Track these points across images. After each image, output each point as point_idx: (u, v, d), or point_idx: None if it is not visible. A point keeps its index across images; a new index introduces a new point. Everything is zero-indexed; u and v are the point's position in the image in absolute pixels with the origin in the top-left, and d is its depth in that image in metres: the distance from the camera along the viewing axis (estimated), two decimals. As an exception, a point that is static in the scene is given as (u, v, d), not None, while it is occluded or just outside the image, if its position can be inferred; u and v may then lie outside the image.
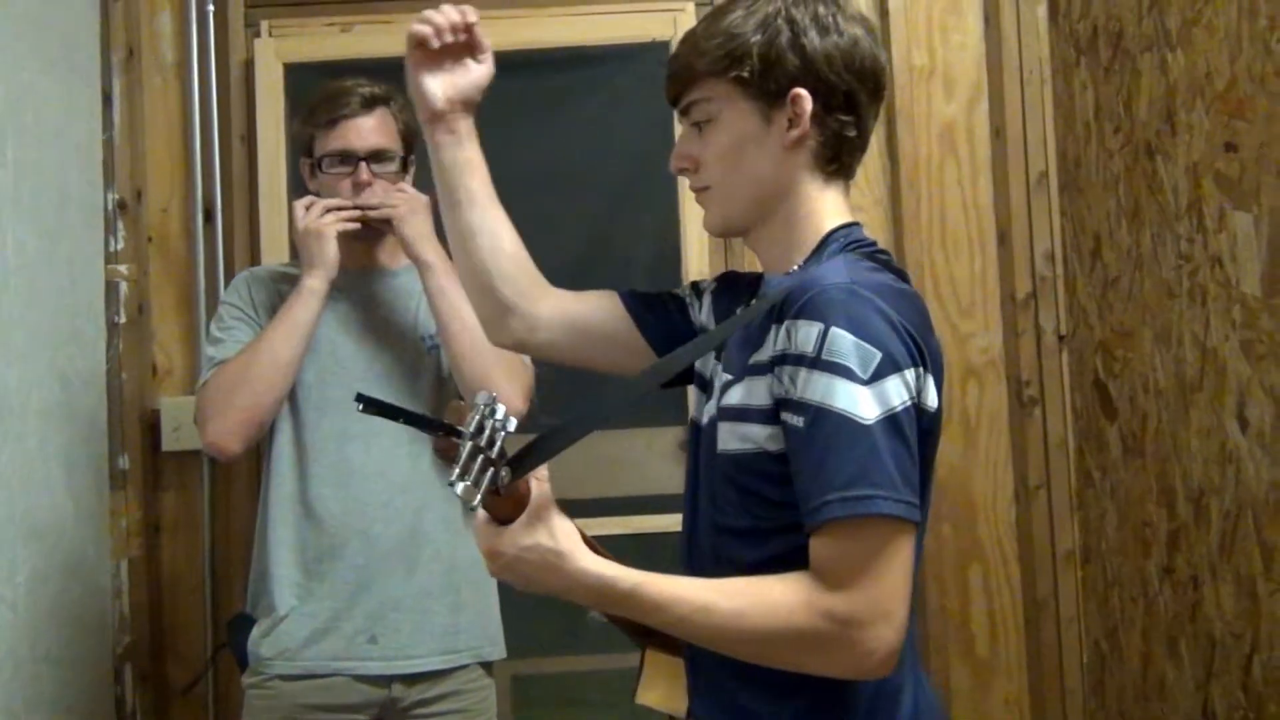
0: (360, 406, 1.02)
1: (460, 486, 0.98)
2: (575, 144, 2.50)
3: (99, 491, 2.31)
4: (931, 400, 1.13)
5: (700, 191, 1.27)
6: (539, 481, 1.07)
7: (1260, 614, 1.70)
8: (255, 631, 1.90)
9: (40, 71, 2.13)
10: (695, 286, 1.40)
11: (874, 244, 1.23)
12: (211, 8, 2.43)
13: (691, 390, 1.35)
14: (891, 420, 1.06)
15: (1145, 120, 2.02)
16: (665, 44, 2.44)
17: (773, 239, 1.25)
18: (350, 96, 1.91)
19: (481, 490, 1.00)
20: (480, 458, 1.00)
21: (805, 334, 1.08)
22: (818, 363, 1.07)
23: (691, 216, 2.40)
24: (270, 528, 1.91)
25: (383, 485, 1.89)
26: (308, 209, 1.90)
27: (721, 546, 1.20)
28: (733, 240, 2.37)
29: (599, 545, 1.13)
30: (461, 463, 0.99)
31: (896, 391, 1.07)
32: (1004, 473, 2.45)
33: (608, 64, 2.51)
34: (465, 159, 1.35)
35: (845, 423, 1.05)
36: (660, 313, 1.38)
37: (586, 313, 1.39)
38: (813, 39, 1.19)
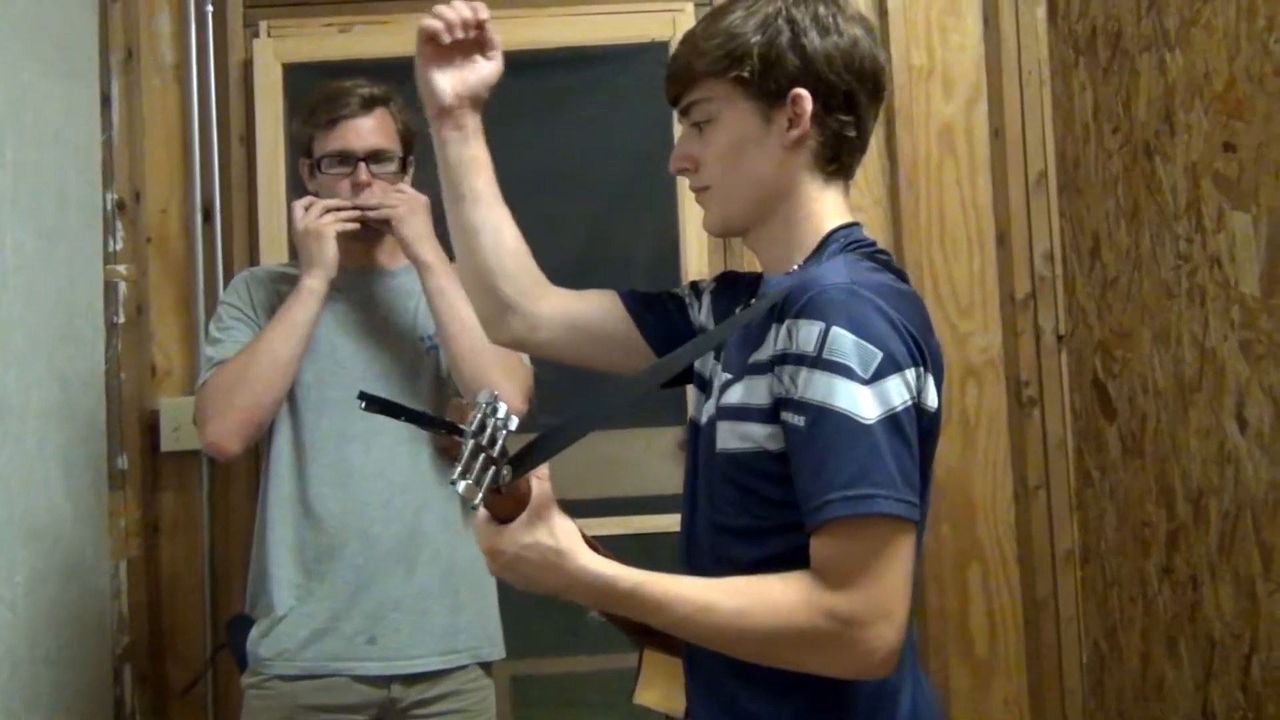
0: (363, 405, 1.02)
1: (462, 485, 0.99)
2: (574, 144, 2.51)
3: (98, 492, 2.31)
4: (932, 400, 1.13)
5: (700, 191, 1.27)
6: (540, 480, 1.07)
7: (1259, 614, 1.70)
8: (254, 632, 1.90)
9: (39, 72, 2.13)
10: (694, 286, 1.41)
11: (874, 244, 1.23)
12: (210, 8, 2.43)
13: (691, 390, 1.35)
14: (892, 420, 1.06)
15: (1144, 120, 2.02)
16: (664, 44, 2.44)
17: (772, 239, 1.25)
18: (349, 97, 1.91)
19: (483, 489, 1.00)
20: (482, 456, 1.00)
21: (806, 333, 1.08)
22: (819, 362, 1.07)
23: (690, 216, 2.41)
24: (269, 528, 1.91)
25: (382, 485, 1.89)
26: (307, 209, 1.90)
27: (720, 546, 1.20)
28: (732, 240, 2.37)
29: (600, 545, 1.13)
30: (463, 461, 0.99)
31: (897, 391, 1.07)
32: (1003, 473, 2.45)
33: (607, 64, 2.51)
34: (471, 156, 1.35)
35: (846, 422, 1.05)
36: (660, 312, 1.38)
37: (587, 312, 1.39)
38: (813, 39, 1.19)
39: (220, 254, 2.42)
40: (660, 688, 1.35)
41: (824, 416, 1.06)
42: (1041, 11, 2.46)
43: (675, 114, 1.29)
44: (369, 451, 1.90)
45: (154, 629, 2.37)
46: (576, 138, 2.51)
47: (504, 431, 1.01)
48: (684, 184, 2.33)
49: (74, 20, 2.33)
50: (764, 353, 1.14)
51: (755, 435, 1.14)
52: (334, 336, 1.93)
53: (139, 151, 2.43)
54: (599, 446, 2.39)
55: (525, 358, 1.92)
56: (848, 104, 1.21)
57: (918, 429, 1.10)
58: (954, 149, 2.49)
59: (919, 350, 1.11)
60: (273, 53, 2.45)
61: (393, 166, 1.93)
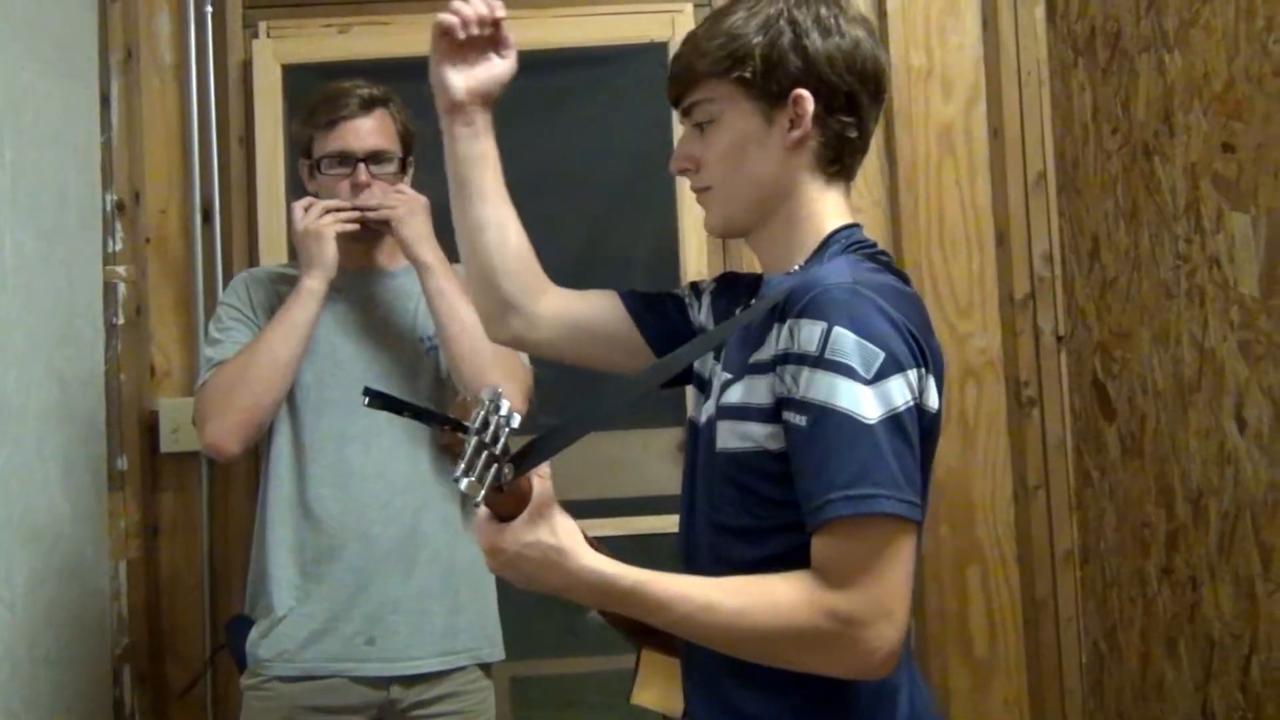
0: (367, 400, 1.02)
1: (465, 482, 0.98)
2: (574, 144, 2.51)
3: (97, 493, 2.31)
4: (933, 401, 1.13)
5: (701, 192, 1.27)
6: (541, 479, 1.07)
7: (1259, 614, 1.70)
8: (253, 633, 1.90)
9: (38, 73, 2.13)
10: (694, 287, 1.41)
11: (875, 245, 1.23)
12: (209, 9, 2.43)
13: (690, 391, 1.35)
14: (894, 420, 1.07)
15: (1143, 121, 2.02)
16: (664, 45, 2.44)
17: (773, 240, 1.25)
18: (349, 98, 1.91)
19: (485, 486, 1.00)
20: (485, 453, 1.00)
21: (808, 333, 1.08)
22: (821, 362, 1.07)
23: (689, 217, 2.41)
24: (269, 529, 1.91)
25: (382, 486, 1.89)
26: (306, 210, 1.90)
27: (719, 546, 1.20)
28: (731, 241, 2.37)
29: (600, 545, 1.13)
30: (466, 458, 0.99)
31: (899, 391, 1.07)
32: (1002, 473, 2.45)
33: (606, 65, 2.51)
34: (480, 153, 1.36)
35: (848, 422, 1.06)
36: (659, 313, 1.38)
37: (587, 312, 1.39)
38: (815, 40, 1.19)
39: (220, 255, 2.42)
40: (658, 688, 1.35)
41: (826, 416, 1.06)
42: (1040, 12, 2.46)
43: (677, 114, 1.29)
44: (368, 452, 1.90)
45: (153, 630, 2.37)
46: (576, 138, 2.51)
47: (507, 429, 1.01)
48: (683, 184, 2.34)
49: (73, 20, 2.33)
50: (765, 352, 1.14)
51: (755, 435, 1.14)
52: (334, 337, 1.93)
53: (138, 152, 2.43)
54: (598, 447, 2.39)
55: (525, 358, 1.92)
56: (849, 105, 1.21)
57: (918, 429, 1.10)
58: (953, 150, 2.49)
59: (920, 351, 1.11)
60: (272, 53, 2.45)
61: (392, 167, 1.93)
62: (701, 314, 1.37)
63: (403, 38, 2.44)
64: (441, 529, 1.92)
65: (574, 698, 2.55)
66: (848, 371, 1.06)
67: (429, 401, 1.94)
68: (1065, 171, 2.40)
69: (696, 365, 1.31)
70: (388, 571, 1.88)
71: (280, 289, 1.94)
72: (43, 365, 2.09)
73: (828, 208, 1.23)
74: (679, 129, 1.29)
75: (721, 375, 1.21)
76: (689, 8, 2.47)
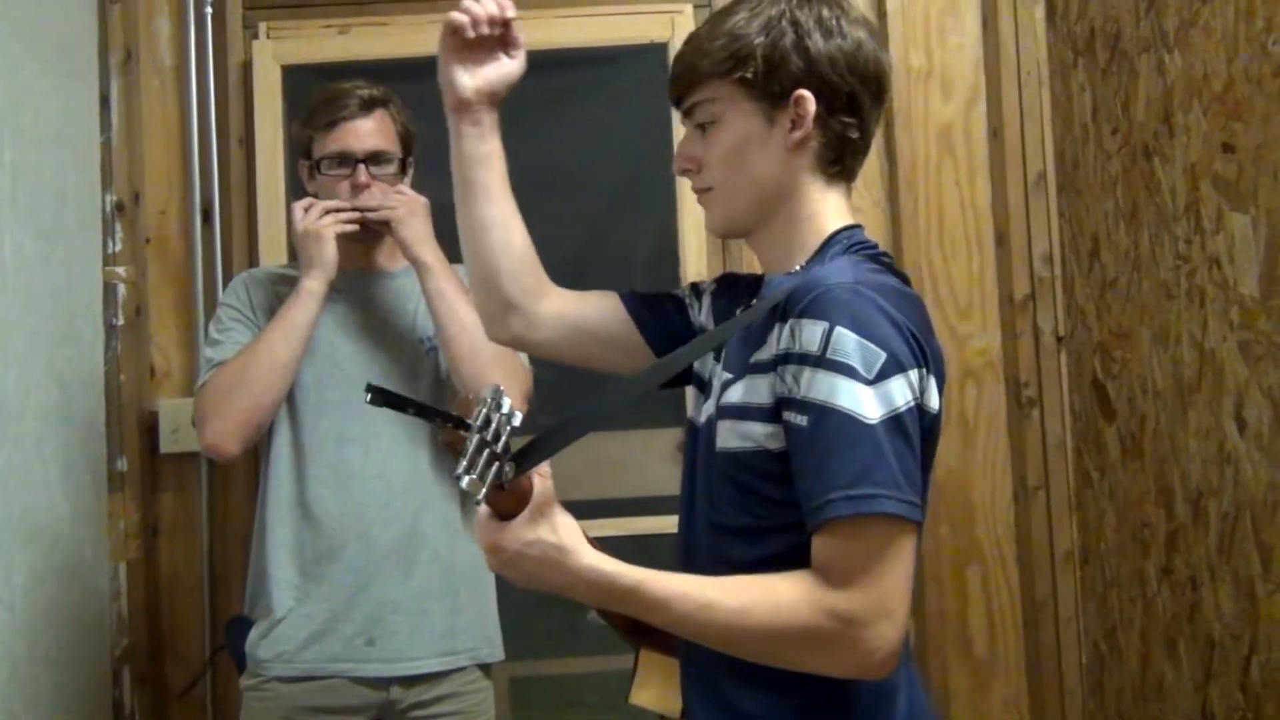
0: (369, 397, 1.02)
1: (466, 480, 0.98)
2: (574, 145, 2.51)
3: (97, 493, 2.31)
4: (933, 402, 1.13)
5: (703, 193, 1.27)
6: (542, 478, 1.07)
7: (1259, 615, 1.70)
8: (253, 633, 1.90)
9: (38, 74, 2.13)
10: (695, 288, 1.41)
11: (876, 246, 1.23)
12: (209, 10, 2.43)
13: (689, 392, 1.35)
14: (895, 420, 1.07)
15: (1143, 121, 2.02)
16: (663, 45, 2.44)
17: (774, 240, 1.25)
18: (349, 99, 1.91)
19: (486, 484, 1.00)
20: (486, 451, 1.00)
21: (810, 333, 1.08)
22: (822, 362, 1.07)
23: (689, 217, 2.41)
24: (268, 529, 1.91)
25: (381, 487, 1.89)
26: (306, 211, 1.90)
27: (719, 546, 1.20)
28: (731, 241, 2.37)
29: (600, 548, 1.13)
30: (468, 456, 0.99)
31: (900, 392, 1.07)
32: (1002, 474, 2.45)
33: (606, 65, 2.51)
34: (486, 152, 1.36)
35: (849, 422, 1.06)
36: (660, 313, 1.38)
37: (588, 313, 1.39)
38: (817, 41, 1.20)
39: (219, 255, 2.42)
40: (656, 688, 1.36)
41: (827, 416, 1.06)
42: (1040, 12, 2.46)
43: (679, 115, 1.29)
44: (368, 453, 1.90)
45: (153, 630, 2.37)
46: (576, 138, 2.51)
47: (508, 427, 1.01)
48: (683, 185, 2.35)
49: (73, 21, 2.33)
50: (766, 352, 1.14)
51: (756, 434, 1.14)
52: (333, 338, 1.93)
53: (138, 153, 2.43)
54: (598, 448, 2.39)
55: (525, 359, 1.92)
56: (851, 106, 1.21)
57: (919, 430, 1.10)
58: (953, 150, 2.49)
59: (921, 351, 1.11)
60: (272, 54, 2.45)
61: (392, 168, 1.93)
62: (702, 314, 1.38)
63: (402, 38, 2.44)
64: (441, 529, 1.92)
65: (573, 698, 2.55)
66: (849, 371, 1.06)
67: (429, 402, 1.94)
68: (1065, 172, 2.40)
69: (696, 366, 1.31)
70: (387, 572, 1.88)
71: (280, 290, 1.94)
72: (42, 366, 2.09)
73: (829, 208, 1.24)
74: (679, 129, 1.29)
75: (722, 375, 1.21)
76: (689, 8, 2.47)
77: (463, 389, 1.88)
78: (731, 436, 1.17)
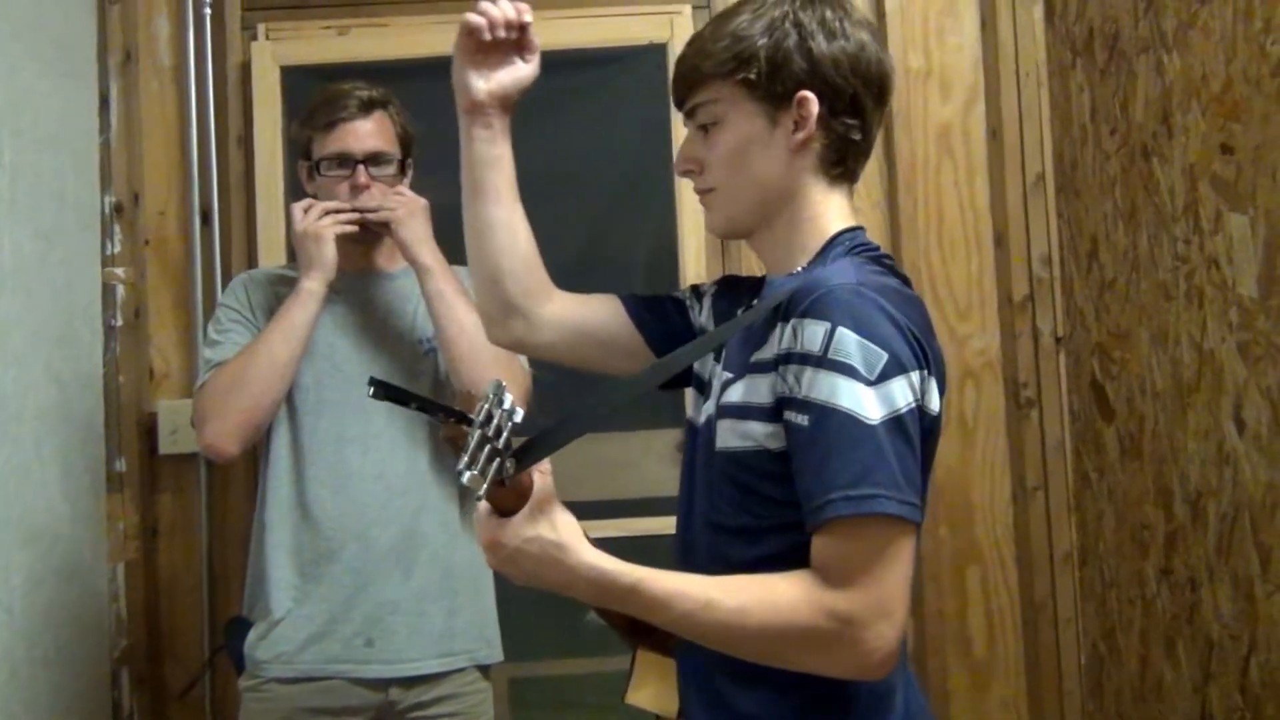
0: (371, 391, 1.02)
1: (467, 475, 0.98)
2: (573, 146, 2.51)
3: (96, 494, 2.31)
4: (934, 403, 1.13)
5: (705, 193, 1.27)
6: (542, 475, 1.07)
7: (1258, 615, 1.70)
8: (252, 634, 1.90)
9: (37, 74, 2.13)
10: (695, 290, 1.41)
11: (878, 248, 1.23)
12: (208, 11, 2.43)
13: (689, 392, 1.35)
14: (896, 421, 1.07)
15: (1141, 122, 2.02)
16: (663, 46, 2.44)
17: (776, 241, 1.25)
18: (348, 99, 1.91)
19: (487, 480, 1.00)
20: (487, 447, 1.00)
21: (811, 333, 1.08)
22: (823, 362, 1.07)
23: (689, 218, 2.41)
24: (267, 530, 1.91)
25: (380, 488, 1.89)
26: (306, 211, 1.90)
27: (718, 545, 1.20)
28: (730, 242, 2.37)
29: (600, 548, 1.13)
30: (469, 451, 0.99)
31: (901, 393, 1.08)
32: (1001, 474, 2.45)
33: (605, 67, 2.51)
34: (497, 155, 1.36)
35: (850, 422, 1.06)
36: (660, 315, 1.39)
37: (589, 315, 1.39)
38: (819, 43, 1.20)
39: (219, 256, 2.42)
40: (653, 688, 1.36)
41: (827, 416, 1.06)
42: (1039, 13, 2.46)
43: (681, 116, 1.29)
44: (367, 454, 1.90)
45: (152, 631, 2.37)
46: (575, 139, 2.51)
47: (510, 423, 1.01)
48: (682, 186, 2.35)
49: (73, 22, 2.33)
50: (767, 352, 1.14)
51: (756, 434, 1.14)
52: (332, 339, 1.93)
53: (137, 153, 2.42)
54: (597, 448, 2.39)
55: (524, 361, 1.92)
56: (853, 108, 1.22)
57: (919, 431, 1.10)
58: (951, 151, 2.49)
59: (923, 353, 1.11)
60: (271, 55, 2.45)
61: (391, 169, 1.93)
62: (702, 315, 1.38)
63: (401, 39, 2.44)
64: (440, 530, 1.92)
65: (572, 699, 2.54)
66: (850, 372, 1.06)
67: (428, 403, 1.94)
68: (1064, 173, 2.40)
69: (696, 366, 1.31)
70: (386, 573, 1.88)
71: (279, 290, 1.94)
72: (41, 366, 2.09)
73: (831, 210, 1.24)
74: (678, 130, 1.29)
75: (722, 375, 1.22)
76: (688, 9, 2.47)
77: (462, 390, 1.88)
78: (731, 436, 1.17)
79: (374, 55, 2.43)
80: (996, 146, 2.46)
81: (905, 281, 1.22)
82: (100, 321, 2.37)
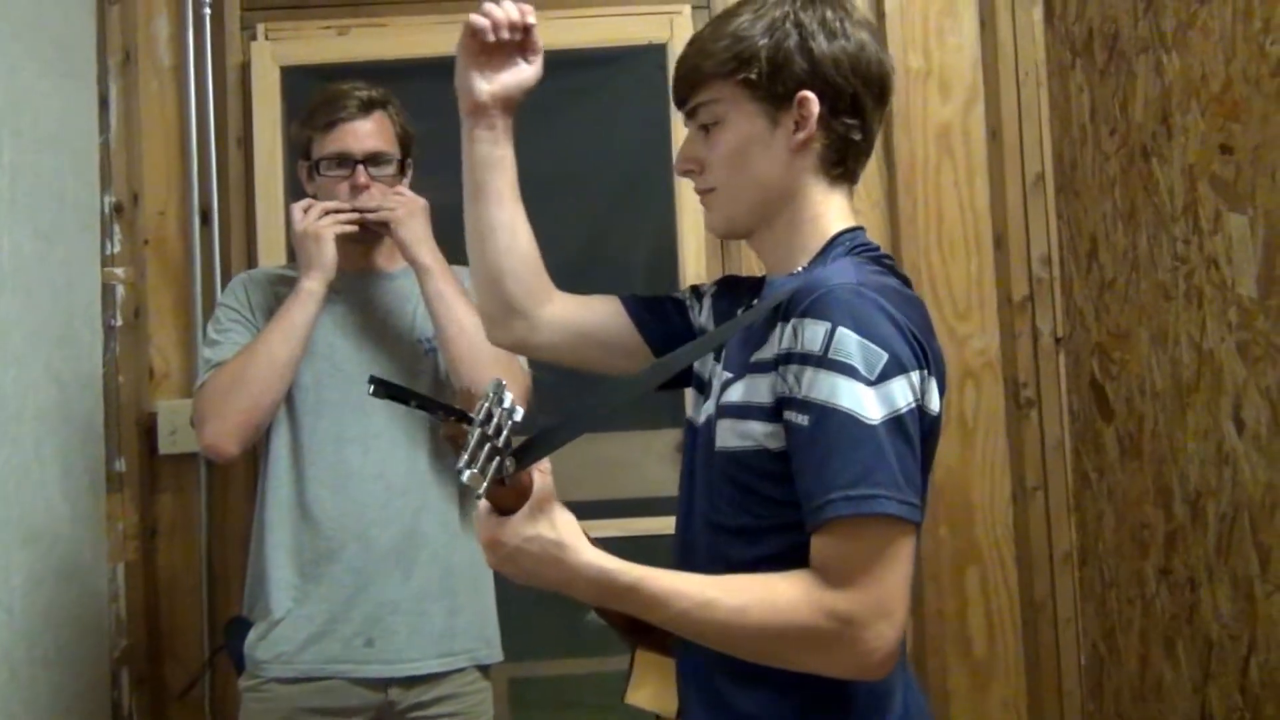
0: (372, 389, 1.02)
1: (467, 474, 0.98)
2: (572, 146, 2.51)
3: (95, 494, 2.31)
4: (934, 403, 1.13)
5: (705, 193, 1.28)
6: (542, 474, 1.07)
7: (1257, 615, 1.71)
8: (252, 635, 1.90)
9: (37, 75, 2.13)
10: (695, 290, 1.42)
11: (878, 249, 1.24)
12: (208, 11, 2.43)
13: (689, 392, 1.35)
14: (896, 421, 1.07)
15: (1141, 122, 2.02)
16: (662, 47, 2.44)
17: (777, 241, 1.26)
18: (348, 99, 1.91)
19: (487, 479, 1.00)
20: (487, 446, 1.00)
21: (812, 333, 1.08)
22: (824, 362, 1.07)
23: (689, 218, 2.41)
24: (267, 530, 1.91)
25: (380, 488, 1.89)
26: (305, 211, 1.90)
27: (717, 545, 1.20)
28: (730, 242, 2.37)
29: (600, 548, 1.13)
30: (469, 450, 0.99)
31: (901, 393, 1.08)
32: (1001, 474, 2.45)
33: (604, 67, 2.51)
34: (499, 157, 1.36)
35: (850, 422, 1.06)
36: (660, 315, 1.39)
37: (589, 316, 1.39)
38: (820, 43, 1.20)
39: (218, 256, 2.42)
40: (652, 687, 1.36)
41: (828, 416, 1.06)
42: (1038, 13, 2.46)
43: (682, 116, 1.29)
44: (367, 454, 1.90)
45: (152, 631, 2.37)
46: (575, 139, 2.51)
47: (509, 422, 1.01)
48: (682, 186, 2.34)
49: (72, 22, 2.33)
50: (767, 351, 1.14)
51: (755, 433, 1.14)
52: (332, 339, 1.93)
53: (137, 154, 2.42)
54: (597, 448, 2.39)
55: (524, 361, 1.92)
56: (854, 108, 1.22)
57: (919, 431, 1.10)
58: (951, 151, 2.49)
59: (923, 353, 1.11)
60: (270, 55, 2.45)
61: (391, 169, 1.94)
62: (702, 316, 1.38)
63: (401, 39, 2.44)
64: (440, 530, 1.92)
65: (572, 699, 2.54)
66: (851, 372, 1.06)
67: (427, 403, 1.94)
68: (1063, 173, 2.40)
69: (696, 367, 1.31)
70: (386, 573, 1.88)
71: (279, 290, 1.94)
72: (41, 366, 2.09)
73: (831, 210, 1.24)
74: (678, 130, 1.30)
75: (722, 375, 1.22)
76: (687, 9, 2.47)
77: (462, 389, 1.88)
78: (731, 435, 1.17)
79: (374, 55, 2.43)
80: (996, 146, 2.46)
81: (905, 282, 1.23)
82: (100, 321, 2.37)
